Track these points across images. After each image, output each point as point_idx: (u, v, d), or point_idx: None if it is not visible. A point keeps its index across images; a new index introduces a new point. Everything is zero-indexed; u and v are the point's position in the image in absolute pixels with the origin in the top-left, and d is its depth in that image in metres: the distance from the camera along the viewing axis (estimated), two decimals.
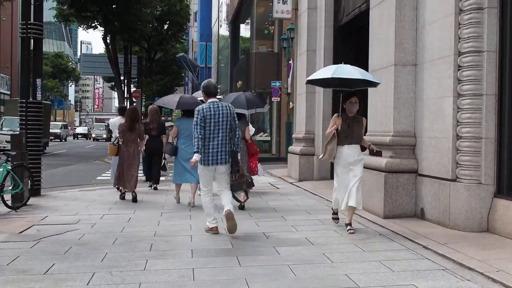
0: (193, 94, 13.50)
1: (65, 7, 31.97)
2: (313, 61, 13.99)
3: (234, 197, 8.39)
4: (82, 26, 36.47)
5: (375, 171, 8.57)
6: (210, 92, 7.18)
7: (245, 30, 37.45)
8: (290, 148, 15.18)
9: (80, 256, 6.07)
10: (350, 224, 7.32)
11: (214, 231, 7.24)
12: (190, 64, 61.43)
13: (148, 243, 6.67)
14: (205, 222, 7.49)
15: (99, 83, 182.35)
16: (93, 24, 34.00)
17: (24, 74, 11.78)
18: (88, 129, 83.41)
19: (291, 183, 13.69)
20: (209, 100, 7.08)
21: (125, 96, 35.41)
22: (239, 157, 7.23)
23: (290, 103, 25.67)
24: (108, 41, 33.01)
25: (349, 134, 7.29)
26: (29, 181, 10.31)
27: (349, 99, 7.37)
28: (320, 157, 7.60)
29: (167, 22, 46.01)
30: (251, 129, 11.34)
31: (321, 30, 13.75)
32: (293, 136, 15.30)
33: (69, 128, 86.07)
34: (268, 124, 28.60)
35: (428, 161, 7.94)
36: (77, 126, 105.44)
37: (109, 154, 12.02)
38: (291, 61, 24.84)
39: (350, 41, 13.64)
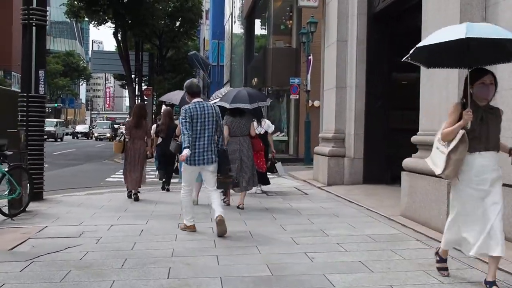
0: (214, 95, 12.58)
1: None
2: (343, 53, 12.67)
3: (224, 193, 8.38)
4: (93, 22, 35.37)
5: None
6: (193, 92, 7.15)
7: (260, 27, 36.16)
8: (317, 149, 13.87)
9: (80, 285, 4.80)
10: (494, 283, 4.56)
11: (191, 229, 7.21)
12: (202, 62, 60.19)
13: (165, 267, 5.37)
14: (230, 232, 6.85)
15: (110, 82, 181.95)
16: (103, 19, 32.87)
17: (26, 65, 10.51)
18: (89, 127, 74.89)
19: (319, 187, 12.38)
20: (194, 100, 7.06)
21: (136, 94, 34.21)
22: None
23: (310, 101, 24.43)
24: (119, 37, 31.84)
25: (484, 134, 4.65)
26: (29, 184, 9.06)
27: (480, 78, 4.67)
28: (438, 172, 4.74)
29: (179, 19, 44.84)
30: (271, 126, 11.13)
31: (353, 18, 12.43)
32: (320, 135, 13.99)
33: (72, 126, 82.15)
34: (285, 123, 27.30)
35: None
36: (85, 124, 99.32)
37: (115, 151, 11.67)
38: (311, 57, 23.59)
39: (386, 30, 12.32)
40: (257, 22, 35.88)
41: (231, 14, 46.65)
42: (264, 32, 35.93)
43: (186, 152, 6.68)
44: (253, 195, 11.29)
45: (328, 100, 13.36)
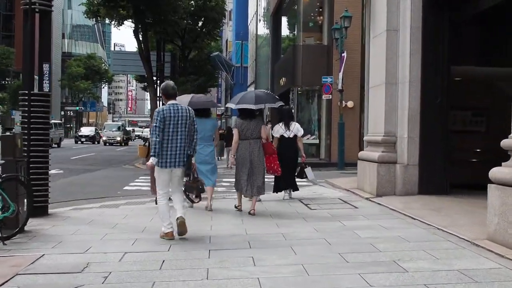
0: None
1: None
2: (394, 44, 10.96)
3: (187, 197, 8.23)
4: (112, 21, 34.06)
5: None
6: (169, 94, 7.14)
7: (286, 26, 34.54)
8: (362, 154, 12.17)
9: None
10: None
11: (169, 236, 6.96)
12: (225, 64, 58.84)
13: None
14: (272, 262, 5.67)
15: (132, 85, 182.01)
16: (123, 18, 31.53)
17: (27, 58, 8.97)
18: (96, 130, 62.54)
19: (367, 198, 10.67)
20: (169, 102, 7.05)
21: (158, 95, 32.73)
22: (193, 161, 7.29)
23: (343, 101, 22.71)
24: (139, 36, 30.39)
25: None
26: (27, 199, 7.51)
27: None
28: None
29: (202, 19, 43.42)
30: (300, 130, 10.69)
31: (406, 2, 10.74)
32: (366, 138, 12.29)
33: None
34: (316, 125, 25.57)
35: None
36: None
37: (139, 155, 11.78)
38: (344, 54, 21.90)
39: (445, 16, 10.60)
40: (283, 22, 34.27)
41: (256, 12, 45.07)
42: (290, 33, 34.33)
43: (152, 160, 6.81)
44: (288, 205, 9.64)
45: (375, 98, 11.65)
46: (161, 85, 7.43)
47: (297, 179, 11.02)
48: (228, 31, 72.51)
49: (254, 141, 8.96)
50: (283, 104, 11.93)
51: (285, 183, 10.79)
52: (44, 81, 9.08)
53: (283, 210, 9.54)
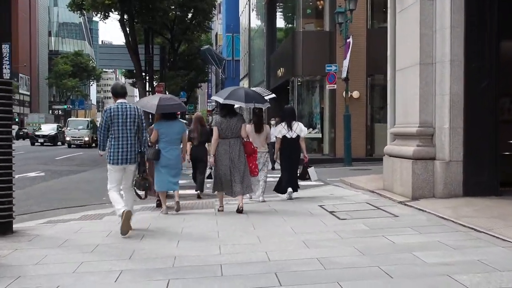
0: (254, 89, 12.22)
1: None
2: (429, 16, 9.15)
3: (137, 194, 7.71)
4: (98, 15, 32.12)
5: None
6: (117, 93, 7.29)
7: (283, 14, 32.65)
8: (390, 148, 10.36)
9: None
10: None
11: (125, 214, 6.85)
12: (216, 58, 57.01)
13: None
14: None
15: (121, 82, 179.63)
16: (108, 8, 29.60)
17: None
18: (58, 127, 49.19)
19: (401, 202, 8.86)
20: (118, 101, 7.22)
21: (147, 90, 30.81)
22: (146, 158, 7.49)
23: (349, 92, 20.91)
24: (127, 28, 28.42)
25: None
26: None
27: None
28: None
29: (191, 10, 41.52)
30: (304, 130, 10.32)
31: None
32: (393, 130, 10.48)
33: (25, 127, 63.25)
34: (318, 118, 23.69)
35: None
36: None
37: None
38: (350, 39, 20.07)
39: None
40: (279, 10, 32.36)
41: (249, 2, 43.12)
42: (285, 22, 32.46)
43: (100, 153, 7.33)
44: (308, 213, 7.79)
45: (405, 82, 9.83)
46: (111, 86, 7.58)
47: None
48: (218, 24, 70.56)
49: (234, 140, 8.65)
50: (274, 96, 11.98)
51: (286, 184, 10.28)
52: (3, 66, 7.19)
53: (305, 220, 7.74)
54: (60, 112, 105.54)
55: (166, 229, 7.47)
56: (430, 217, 7.55)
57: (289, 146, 10.17)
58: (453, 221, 7.07)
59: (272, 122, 19.00)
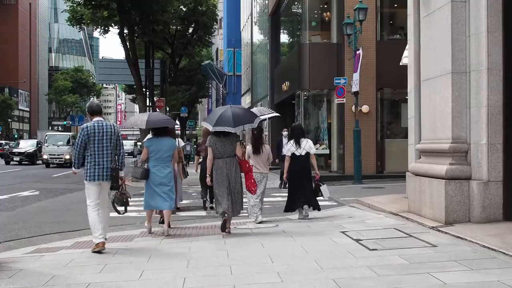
0: (253, 109, 11.84)
1: None
2: (462, 19, 8.21)
3: (114, 207, 7.74)
4: (98, 29, 31.36)
5: None
6: (93, 111, 7.43)
7: (287, 28, 31.81)
8: (416, 167, 9.36)
9: None
10: None
11: (100, 247, 7.07)
12: (217, 73, 56.26)
13: None
14: None
15: (121, 99, 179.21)
16: (108, 22, 28.88)
17: None
18: (38, 143, 41.51)
19: (434, 228, 7.86)
20: (94, 119, 7.33)
21: (148, 105, 29.88)
22: (122, 174, 7.50)
23: (358, 106, 19.99)
24: (126, 41, 27.55)
25: None
26: None
27: None
28: None
29: (193, 24, 40.87)
30: (313, 147, 10.13)
31: None
32: (420, 147, 9.48)
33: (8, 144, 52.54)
34: (325, 133, 22.71)
35: None
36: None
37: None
38: (360, 51, 19.17)
39: None
40: (283, 23, 31.53)
41: (251, 15, 42.35)
42: (288, 36, 31.64)
43: (74, 170, 7.49)
44: (330, 240, 6.75)
45: (433, 93, 8.86)
46: (87, 104, 7.74)
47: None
48: (219, 40, 69.91)
49: (229, 159, 8.55)
50: (278, 115, 12.68)
51: (300, 201, 10.03)
52: None
53: (329, 251, 6.73)
54: (60, 128, 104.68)
55: (170, 261, 6.46)
56: (474, 247, 6.54)
57: (298, 164, 9.94)
58: (504, 253, 6.06)
59: (284, 133, 18.06)
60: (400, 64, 13.86)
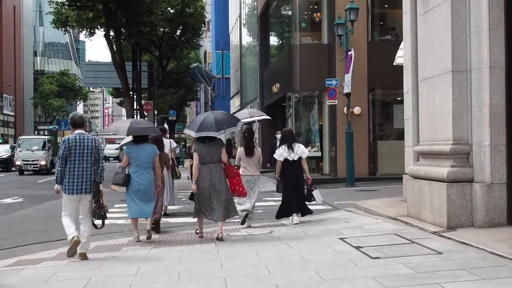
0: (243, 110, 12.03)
1: None
2: (462, 16, 7.88)
3: (93, 223, 7.46)
4: (84, 32, 30.92)
5: None
6: (75, 123, 7.39)
7: (276, 30, 31.47)
8: (415, 169, 9.02)
9: None
10: None
11: (74, 241, 7.11)
12: (205, 75, 55.80)
13: None
14: None
15: (108, 103, 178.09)
16: (93, 24, 28.52)
17: None
18: (12, 148, 37.76)
19: (435, 233, 7.52)
20: (76, 132, 7.31)
21: (135, 108, 29.40)
22: (101, 187, 7.44)
23: (350, 108, 19.66)
24: (113, 43, 27.06)
25: None
26: None
27: None
28: None
29: (180, 27, 40.51)
30: (305, 151, 10.17)
31: None
32: (418, 148, 9.14)
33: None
34: (316, 135, 22.35)
35: None
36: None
37: None
38: (352, 51, 18.86)
39: None
40: (272, 25, 31.18)
41: (239, 17, 41.99)
42: (277, 39, 31.34)
43: (56, 187, 7.31)
44: (328, 247, 6.36)
45: (432, 93, 8.53)
46: (69, 116, 7.72)
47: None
48: (207, 42, 69.47)
49: (214, 165, 8.52)
50: (268, 118, 13.07)
51: (293, 207, 9.89)
52: None
53: (329, 260, 6.36)
54: (46, 133, 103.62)
55: (160, 273, 6.06)
56: (481, 254, 6.20)
57: (291, 169, 9.89)
58: None
59: (278, 136, 17.70)
60: (394, 64, 13.51)
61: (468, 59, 7.90)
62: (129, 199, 8.74)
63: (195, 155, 8.50)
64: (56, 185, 7.21)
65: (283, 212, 10.06)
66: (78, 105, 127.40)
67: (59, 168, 7.14)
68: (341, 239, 7.60)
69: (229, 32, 53.04)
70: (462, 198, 7.72)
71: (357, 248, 6.87)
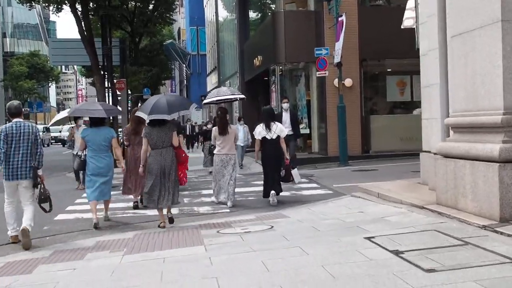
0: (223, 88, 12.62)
1: None
2: None
3: (41, 207, 7.70)
4: (50, 6, 28.67)
5: None
6: (12, 113, 7.70)
7: (256, 1, 29.55)
8: (448, 146, 7.34)
9: None
10: None
11: (13, 240, 7.57)
12: (180, 53, 53.73)
13: None
14: None
15: (81, 84, 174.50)
16: (61, 1, 26.29)
17: None
18: None
19: (486, 227, 5.88)
20: (14, 120, 7.60)
21: (107, 86, 27.31)
22: (40, 173, 7.53)
23: (342, 80, 17.94)
24: (79, 13, 24.89)
25: None
26: None
27: None
28: None
29: (152, 1, 38.32)
30: (284, 130, 10.29)
31: None
32: (451, 121, 7.45)
33: None
34: (304, 111, 20.59)
35: None
36: None
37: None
38: (343, 17, 17.13)
39: None
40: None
41: None
42: (258, 8, 29.42)
43: None
44: (359, 254, 4.60)
45: (473, 51, 6.82)
46: (7, 105, 7.92)
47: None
48: (181, 19, 67.11)
49: (165, 150, 8.37)
50: (243, 97, 12.57)
51: (270, 186, 10.02)
52: None
53: (362, 271, 4.67)
54: None
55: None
56: None
57: (270, 148, 10.03)
58: None
59: (284, 105, 15.91)
60: (402, 27, 11.86)
61: None
62: (87, 183, 8.98)
63: (145, 140, 8.35)
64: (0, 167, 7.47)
65: (266, 192, 10.07)
66: (50, 86, 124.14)
67: (2, 150, 7.37)
68: (368, 238, 5.89)
69: (204, 6, 50.92)
70: None
71: (396, 253, 5.18)
